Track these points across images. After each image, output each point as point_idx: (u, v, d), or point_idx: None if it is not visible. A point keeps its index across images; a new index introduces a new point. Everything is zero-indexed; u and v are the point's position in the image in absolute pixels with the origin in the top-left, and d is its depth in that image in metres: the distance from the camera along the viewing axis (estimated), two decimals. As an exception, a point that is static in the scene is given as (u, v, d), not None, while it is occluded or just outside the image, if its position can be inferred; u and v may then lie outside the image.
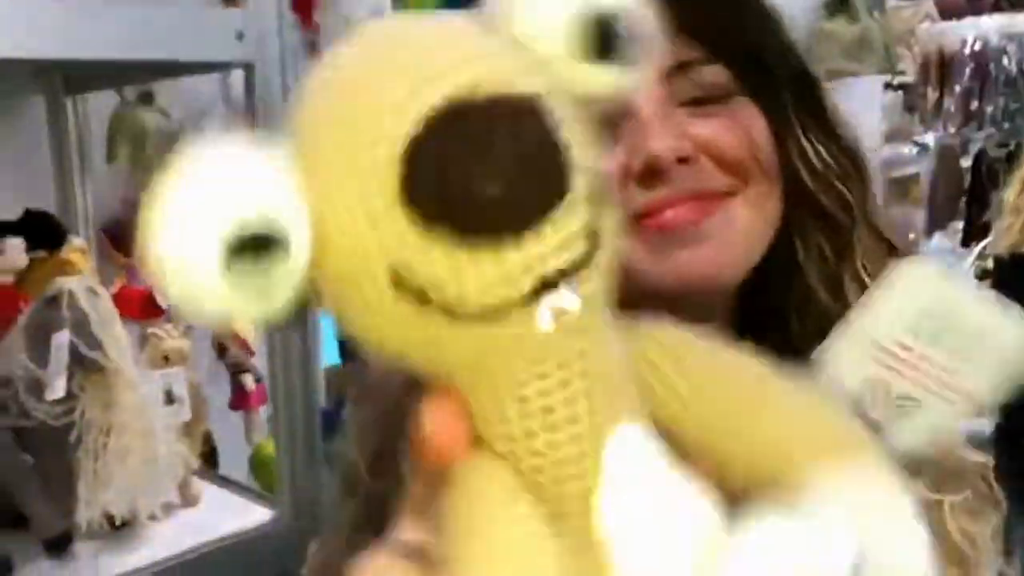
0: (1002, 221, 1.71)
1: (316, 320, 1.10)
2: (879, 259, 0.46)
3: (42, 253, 1.03)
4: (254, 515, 0.99)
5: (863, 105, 2.40)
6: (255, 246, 0.17)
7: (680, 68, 0.42)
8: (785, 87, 0.45)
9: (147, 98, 1.21)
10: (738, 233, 0.43)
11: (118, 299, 1.01)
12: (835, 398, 0.25)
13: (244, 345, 1.38)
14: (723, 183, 0.43)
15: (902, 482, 0.22)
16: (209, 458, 1.14)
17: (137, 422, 0.87)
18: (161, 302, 1.18)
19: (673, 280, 0.42)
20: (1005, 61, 2.56)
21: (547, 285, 0.18)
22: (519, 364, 0.20)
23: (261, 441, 1.35)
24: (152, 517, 0.93)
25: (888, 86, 2.65)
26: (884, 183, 2.51)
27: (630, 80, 0.19)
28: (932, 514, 0.41)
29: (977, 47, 2.56)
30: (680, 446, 0.22)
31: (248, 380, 1.40)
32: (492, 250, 0.17)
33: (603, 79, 0.19)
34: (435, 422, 0.21)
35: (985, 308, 0.28)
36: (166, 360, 1.00)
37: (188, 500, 1.00)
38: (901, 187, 2.72)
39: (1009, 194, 1.72)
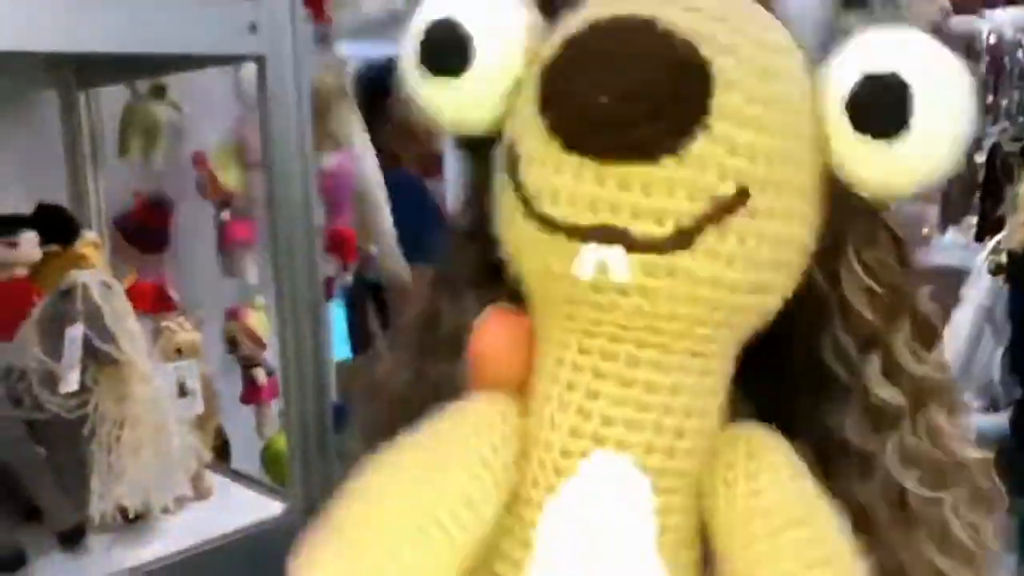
0: (1016, 216, 1.70)
1: (328, 314, 1.10)
2: (879, 246, 0.44)
3: (55, 247, 1.03)
4: (266, 509, 0.99)
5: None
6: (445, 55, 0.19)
7: None
8: None
9: (159, 92, 1.22)
10: None
11: (130, 293, 1.01)
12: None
13: (256, 339, 1.38)
14: None
15: None
16: (221, 452, 1.14)
17: (150, 415, 0.87)
18: (173, 296, 1.18)
19: None
20: (1020, 55, 2.54)
21: (607, 236, 0.17)
22: (567, 320, 0.19)
23: (273, 435, 1.36)
24: (165, 510, 0.93)
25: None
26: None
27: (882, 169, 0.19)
28: (933, 512, 0.40)
29: (992, 40, 2.54)
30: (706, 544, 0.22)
31: (260, 374, 1.40)
32: (588, 160, 0.17)
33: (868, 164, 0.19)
34: (487, 328, 0.21)
35: None
36: (179, 353, 1.01)
37: (200, 493, 1.00)
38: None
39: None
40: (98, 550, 0.89)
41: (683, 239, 0.17)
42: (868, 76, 0.20)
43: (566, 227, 0.18)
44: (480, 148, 0.21)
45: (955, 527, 0.41)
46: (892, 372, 0.44)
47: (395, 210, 1.54)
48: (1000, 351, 1.75)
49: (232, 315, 1.38)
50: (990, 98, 2.54)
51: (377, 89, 1.69)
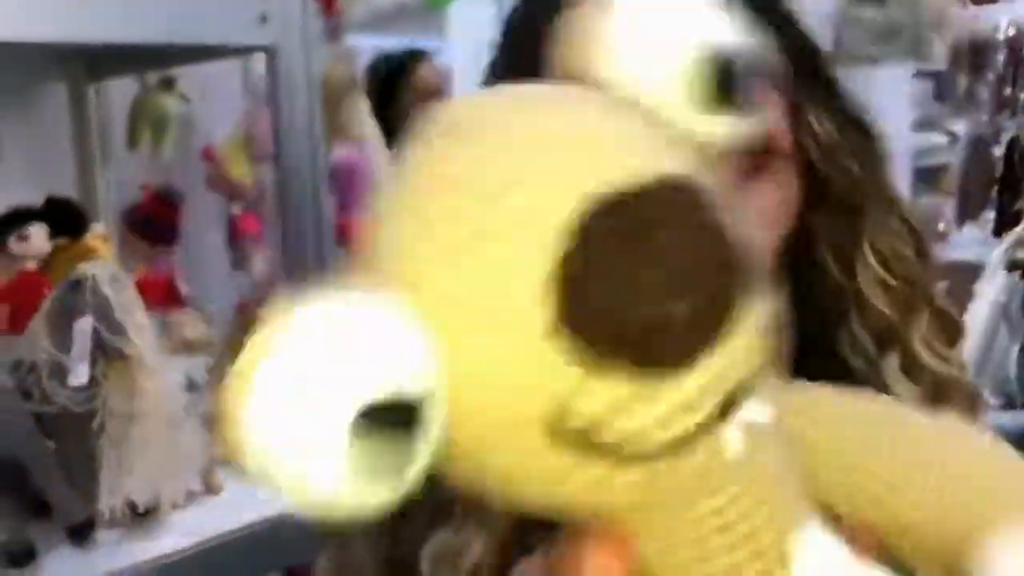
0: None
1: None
2: (894, 234, 0.45)
3: (64, 240, 1.02)
4: (276, 504, 0.98)
5: (891, 93, 2.35)
6: (383, 421, 0.14)
7: None
8: (795, 61, 0.44)
9: (168, 84, 1.21)
10: (766, 217, 0.42)
11: (140, 286, 1.00)
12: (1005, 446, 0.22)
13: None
14: (748, 164, 0.42)
15: None
16: (231, 446, 1.14)
17: (159, 410, 0.86)
18: (182, 289, 1.17)
19: None
20: (1039, 47, 2.51)
21: (731, 403, 0.15)
22: (700, 493, 0.17)
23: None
24: (175, 505, 0.92)
25: (918, 73, 2.60)
26: (913, 172, 2.47)
27: (747, 126, 0.17)
28: None
29: (1011, 32, 2.50)
30: (835, 518, 0.20)
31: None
32: (672, 377, 0.14)
33: (722, 127, 0.16)
34: (596, 565, 0.18)
35: None
36: (188, 347, 1.00)
37: (211, 488, 0.99)
38: (930, 177, 2.67)
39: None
40: (107, 545, 0.88)
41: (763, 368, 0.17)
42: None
43: (694, 433, 0.15)
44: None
45: None
46: (910, 368, 0.43)
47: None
48: (1016, 348, 1.73)
49: (241, 309, 1.37)
50: (1008, 91, 2.51)
51: (389, 81, 1.69)
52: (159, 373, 0.88)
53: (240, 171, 1.29)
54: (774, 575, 0.18)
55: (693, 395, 0.14)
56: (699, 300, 0.13)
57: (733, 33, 0.17)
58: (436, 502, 0.42)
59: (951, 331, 0.44)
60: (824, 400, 0.21)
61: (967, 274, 1.87)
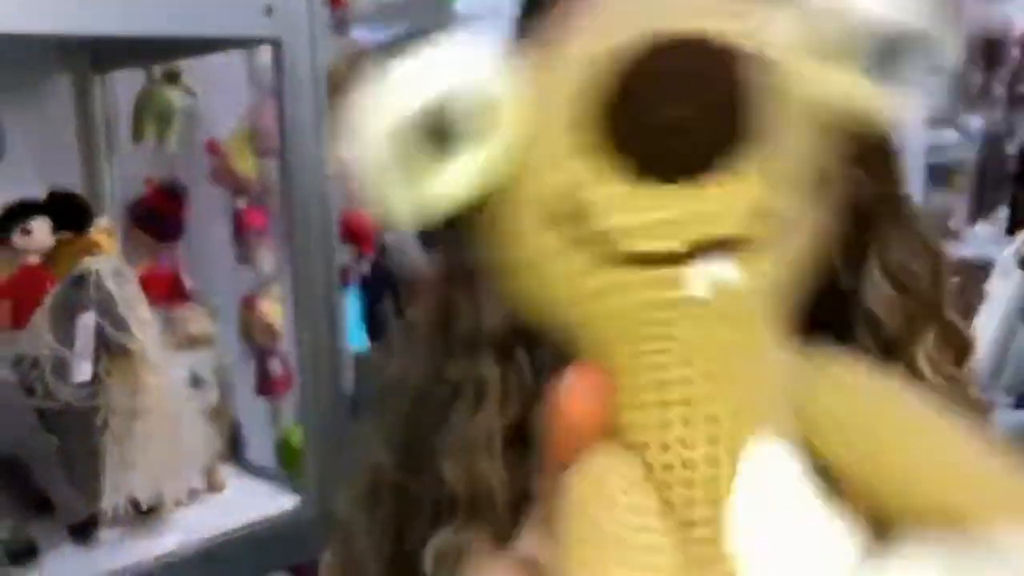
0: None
1: (344, 306, 1.08)
2: (906, 251, 0.44)
3: (68, 234, 1.02)
4: (280, 502, 0.98)
5: (904, 89, 2.33)
6: (450, 132, 0.16)
7: None
8: None
9: (173, 77, 1.20)
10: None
11: (144, 281, 0.99)
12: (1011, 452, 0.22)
13: (271, 330, 1.37)
14: None
15: None
16: (235, 444, 1.13)
17: (162, 406, 0.85)
18: (187, 284, 1.16)
19: None
20: (1053, 44, 2.48)
21: (709, 247, 0.17)
22: (665, 341, 0.18)
23: (288, 427, 1.34)
24: (178, 503, 0.91)
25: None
26: (925, 170, 2.44)
27: (900, 103, 0.17)
28: None
29: (1025, 28, 2.48)
30: (835, 484, 0.20)
31: (275, 365, 1.38)
32: (664, 185, 0.16)
33: (874, 95, 0.17)
34: (573, 398, 0.19)
35: None
36: (192, 343, 0.99)
37: (214, 486, 0.98)
38: (943, 174, 2.65)
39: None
40: (110, 543, 0.88)
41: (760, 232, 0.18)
42: None
43: (664, 256, 0.17)
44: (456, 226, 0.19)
45: None
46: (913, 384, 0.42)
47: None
48: (1032, 345, 1.71)
49: (247, 305, 1.37)
50: (1022, 88, 2.48)
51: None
52: (162, 369, 0.87)
53: (245, 165, 1.28)
54: (723, 465, 0.19)
55: (677, 216, 0.16)
56: (700, 132, 0.16)
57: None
58: (439, 501, 0.43)
59: (960, 348, 0.44)
60: (862, 377, 0.22)
61: (979, 272, 1.85)
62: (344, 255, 1.31)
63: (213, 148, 1.29)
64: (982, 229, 2.48)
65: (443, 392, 0.44)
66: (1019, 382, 1.64)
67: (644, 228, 0.17)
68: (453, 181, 0.17)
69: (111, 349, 0.85)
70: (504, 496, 0.41)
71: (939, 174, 2.64)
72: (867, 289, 0.44)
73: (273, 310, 1.36)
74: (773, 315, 0.19)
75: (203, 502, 0.96)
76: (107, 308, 0.84)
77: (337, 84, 0.98)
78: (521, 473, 0.41)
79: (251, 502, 0.97)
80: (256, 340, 1.37)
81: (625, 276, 0.17)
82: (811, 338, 0.23)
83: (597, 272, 0.17)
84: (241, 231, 1.35)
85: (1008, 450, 0.20)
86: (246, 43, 1.08)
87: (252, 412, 1.31)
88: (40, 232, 0.99)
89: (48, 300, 0.88)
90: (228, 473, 1.02)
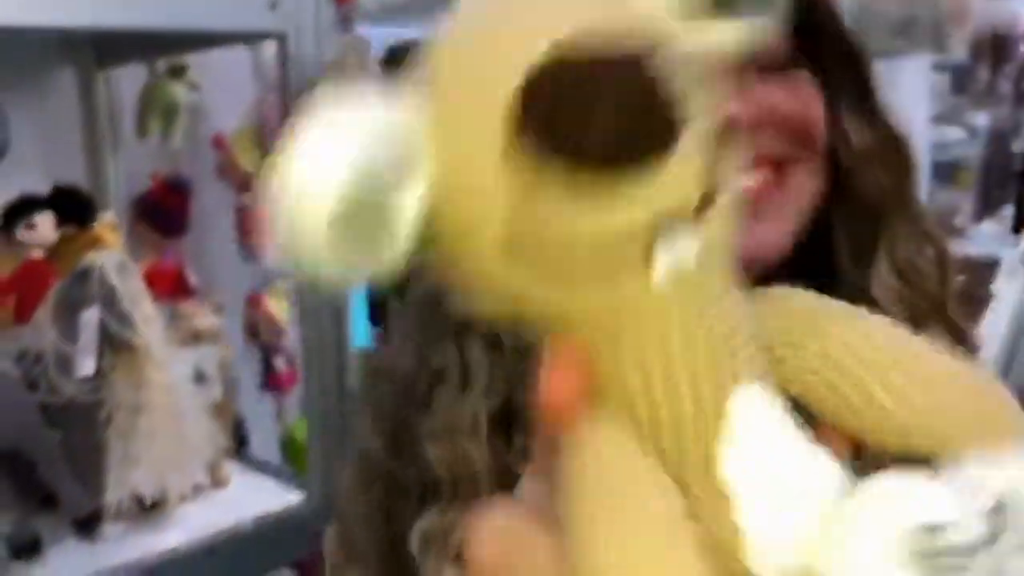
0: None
1: (348, 302, 1.08)
2: (914, 247, 0.45)
3: (72, 228, 1.01)
4: (284, 497, 0.97)
5: (910, 86, 2.32)
6: (373, 189, 0.17)
7: None
8: (838, 64, 0.45)
9: (178, 71, 1.19)
10: (793, 209, 0.43)
11: (149, 276, 0.99)
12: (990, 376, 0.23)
13: (275, 326, 1.36)
14: (782, 151, 0.42)
15: None
16: (239, 440, 1.13)
17: (166, 402, 0.85)
18: (191, 280, 1.16)
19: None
20: (1060, 41, 2.47)
21: (660, 234, 0.18)
22: (638, 326, 0.19)
23: (292, 423, 1.34)
24: (182, 498, 0.91)
25: (936, 66, 2.56)
26: (931, 167, 2.43)
27: (748, 34, 0.19)
28: None
29: (1032, 25, 2.47)
30: (811, 420, 0.21)
31: (279, 361, 1.38)
32: (603, 186, 0.17)
33: (721, 34, 0.18)
34: (555, 378, 0.20)
35: None
36: (196, 339, 0.99)
37: (218, 481, 0.98)
38: (948, 172, 2.63)
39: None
40: (114, 538, 0.87)
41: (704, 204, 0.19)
42: None
43: (625, 245, 0.18)
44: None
45: None
46: None
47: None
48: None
49: (252, 301, 1.36)
50: (1028, 85, 2.47)
51: (403, 71, 1.66)
52: (166, 364, 0.86)
53: (250, 161, 1.27)
54: (709, 418, 0.20)
55: (624, 211, 0.17)
56: (623, 131, 0.16)
57: None
58: (426, 484, 0.45)
59: (963, 346, 0.44)
60: (824, 307, 0.23)
61: (985, 269, 1.84)
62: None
63: (219, 142, 1.29)
64: (988, 227, 2.47)
65: (430, 377, 0.45)
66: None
67: (592, 227, 0.17)
68: (391, 246, 0.18)
69: (114, 344, 0.84)
70: (488, 477, 0.42)
71: (944, 171, 2.63)
72: (874, 283, 0.44)
73: (278, 306, 1.35)
74: (723, 269, 0.20)
75: (207, 498, 0.96)
76: (111, 303, 0.84)
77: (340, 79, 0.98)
78: (504, 457, 0.42)
79: (255, 498, 0.97)
80: (261, 336, 1.37)
81: (590, 288, 0.18)
82: None
83: (567, 285, 0.18)
84: (246, 228, 1.34)
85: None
86: (250, 37, 1.08)
87: (257, 408, 1.31)
88: (44, 227, 0.99)
89: (52, 295, 0.87)
90: (232, 469, 1.02)
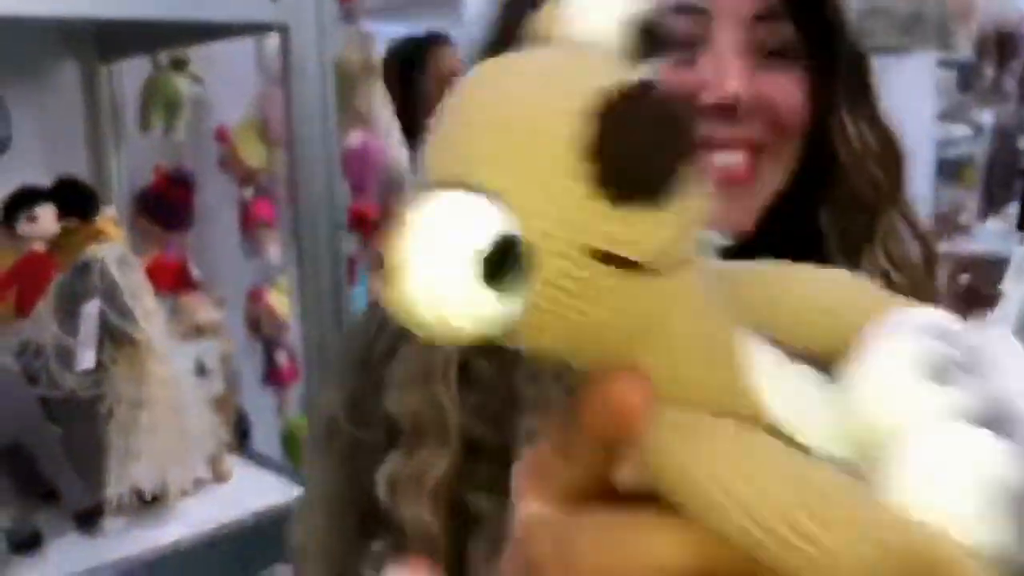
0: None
1: (350, 297, 1.07)
2: (903, 241, 0.47)
3: (74, 221, 1.01)
4: (285, 492, 0.97)
5: (916, 83, 2.31)
6: (494, 264, 0.20)
7: (760, 18, 0.43)
8: (840, 61, 0.46)
9: (181, 64, 1.19)
10: (762, 194, 0.45)
11: (151, 270, 0.99)
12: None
13: (277, 321, 1.36)
14: (761, 136, 0.44)
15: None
16: (241, 434, 1.12)
17: (167, 395, 0.85)
18: (193, 273, 1.16)
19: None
20: (1065, 38, 2.45)
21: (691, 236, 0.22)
22: (681, 308, 0.23)
23: (293, 418, 1.34)
24: (183, 492, 0.91)
25: (942, 63, 2.55)
26: (936, 164, 2.42)
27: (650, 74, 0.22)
28: None
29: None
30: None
31: (281, 356, 1.38)
32: (663, 209, 0.21)
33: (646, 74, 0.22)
34: (620, 388, 0.22)
35: None
36: (198, 332, 0.98)
37: (219, 476, 0.98)
38: (954, 169, 2.62)
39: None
40: (114, 532, 0.87)
41: None
42: None
43: (676, 252, 0.22)
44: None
45: None
46: None
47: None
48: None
49: (254, 295, 1.36)
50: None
51: (407, 66, 1.66)
52: (167, 358, 0.86)
53: (253, 155, 1.27)
54: (736, 385, 0.23)
55: (676, 223, 0.21)
56: (671, 161, 0.20)
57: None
58: (388, 432, 0.46)
59: None
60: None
61: (990, 267, 1.83)
62: (351, 245, 1.30)
63: (222, 136, 1.28)
64: (992, 224, 2.46)
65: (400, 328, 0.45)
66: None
67: (656, 242, 0.21)
68: (517, 292, 0.21)
69: (115, 337, 0.84)
70: (454, 418, 0.44)
71: (950, 169, 2.62)
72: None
73: (280, 301, 1.35)
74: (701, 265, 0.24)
75: (209, 492, 0.95)
76: (112, 296, 0.84)
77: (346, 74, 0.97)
78: (466, 405, 0.44)
79: (257, 492, 0.97)
80: (263, 331, 1.37)
81: (651, 282, 0.22)
82: None
83: (635, 283, 0.21)
84: (249, 222, 1.34)
85: None
86: (252, 29, 1.08)
87: (259, 403, 1.30)
88: (45, 219, 0.99)
89: (52, 288, 0.87)
90: (234, 463, 1.02)
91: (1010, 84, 2.54)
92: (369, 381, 0.47)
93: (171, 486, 0.88)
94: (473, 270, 0.20)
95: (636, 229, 0.20)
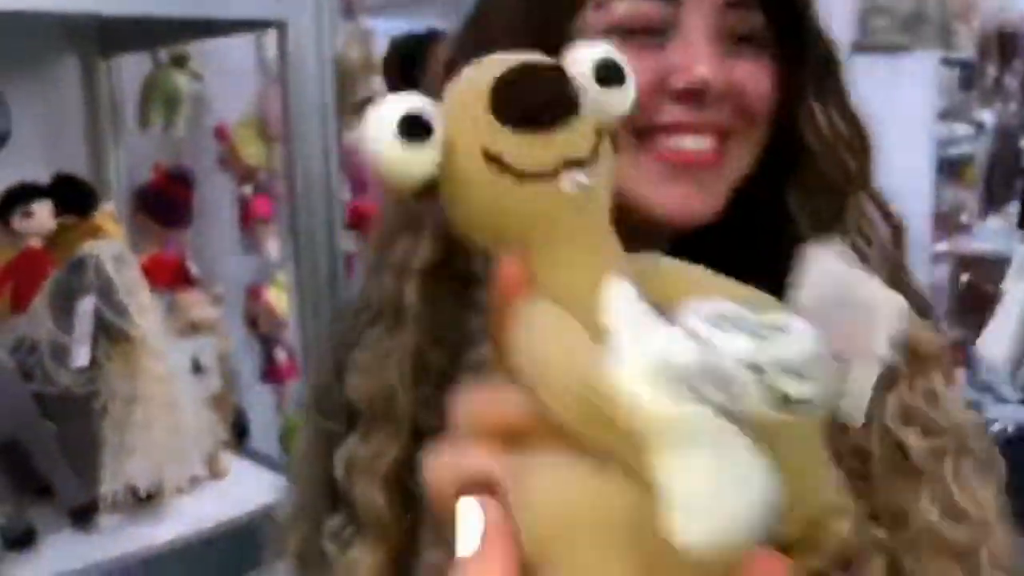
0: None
1: (348, 295, 1.07)
2: (872, 224, 0.48)
3: (71, 218, 1.01)
4: (284, 490, 0.97)
5: (917, 81, 2.30)
6: (414, 132, 0.29)
7: (730, 5, 0.44)
8: (810, 49, 0.47)
9: (180, 61, 1.19)
10: (730, 177, 0.46)
11: (149, 266, 0.98)
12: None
13: (275, 318, 1.36)
14: (730, 122, 0.45)
15: None
16: (240, 431, 1.12)
17: (162, 392, 0.85)
18: (192, 271, 1.16)
19: (667, 211, 0.44)
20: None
21: (569, 164, 0.29)
22: (555, 221, 0.30)
23: (292, 415, 1.33)
24: (179, 490, 0.90)
25: (944, 62, 2.54)
26: (937, 163, 2.42)
27: (622, 98, 0.31)
28: (934, 469, 0.44)
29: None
30: None
31: (280, 353, 1.38)
32: (539, 134, 0.29)
33: (611, 98, 0.31)
34: (507, 270, 0.29)
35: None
36: (194, 329, 0.98)
37: (216, 473, 0.98)
38: (955, 168, 2.62)
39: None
40: (109, 529, 0.87)
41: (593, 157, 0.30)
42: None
43: (548, 173, 0.29)
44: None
45: (956, 493, 0.44)
46: None
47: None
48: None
49: (252, 293, 1.36)
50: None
51: (408, 62, 1.66)
52: (162, 355, 0.86)
53: (252, 153, 1.27)
54: (599, 283, 0.29)
55: (550, 148, 0.29)
56: (551, 104, 0.29)
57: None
58: (350, 414, 0.48)
59: (921, 310, 0.47)
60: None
61: (991, 265, 1.83)
62: (351, 242, 1.30)
63: (221, 133, 1.28)
64: (993, 223, 2.46)
65: (368, 314, 0.48)
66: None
67: (532, 159, 0.29)
68: (425, 153, 0.29)
69: (110, 334, 0.84)
70: (406, 406, 0.45)
71: (951, 168, 2.61)
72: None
73: (278, 298, 1.35)
74: (605, 204, 0.31)
75: (205, 489, 0.95)
76: (107, 293, 0.83)
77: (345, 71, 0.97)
78: (422, 393, 0.45)
79: (254, 490, 0.96)
80: (262, 328, 1.37)
81: (528, 188, 0.29)
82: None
83: (516, 187, 0.29)
84: (247, 219, 1.34)
85: None
86: (251, 25, 1.07)
87: (257, 400, 1.30)
88: (41, 215, 0.98)
89: (48, 284, 0.87)
90: (232, 461, 1.01)
91: (1012, 83, 2.53)
92: (335, 368, 0.49)
93: (167, 483, 0.87)
94: (396, 129, 0.28)
95: (517, 146, 0.29)
